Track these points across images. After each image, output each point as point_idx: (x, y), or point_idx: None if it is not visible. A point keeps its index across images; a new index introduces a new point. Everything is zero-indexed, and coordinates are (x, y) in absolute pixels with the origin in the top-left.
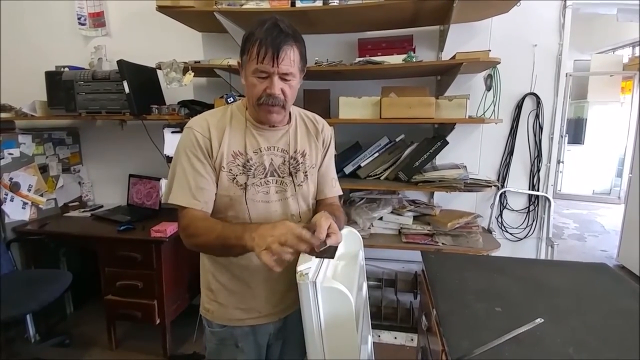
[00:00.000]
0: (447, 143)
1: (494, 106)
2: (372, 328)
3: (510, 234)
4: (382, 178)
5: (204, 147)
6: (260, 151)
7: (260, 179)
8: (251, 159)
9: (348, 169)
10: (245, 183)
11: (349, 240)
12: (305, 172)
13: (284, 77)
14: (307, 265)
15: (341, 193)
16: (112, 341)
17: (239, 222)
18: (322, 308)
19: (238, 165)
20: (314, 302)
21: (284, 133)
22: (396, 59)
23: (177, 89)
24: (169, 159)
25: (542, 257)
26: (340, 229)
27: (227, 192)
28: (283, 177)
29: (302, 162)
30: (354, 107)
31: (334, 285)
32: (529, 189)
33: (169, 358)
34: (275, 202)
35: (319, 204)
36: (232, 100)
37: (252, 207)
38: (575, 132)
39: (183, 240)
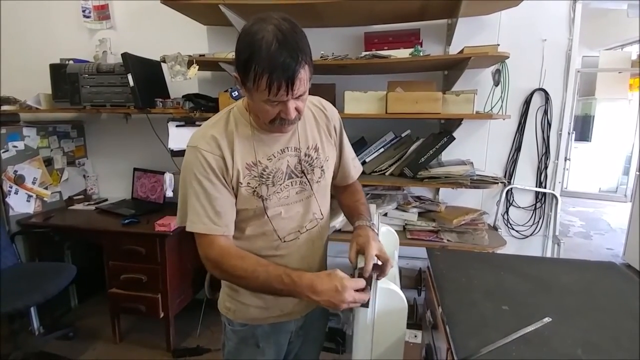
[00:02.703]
0: (454, 139)
1: (502, 102)
2: None
3: (517, 231)
4: (387, 174)
5: (217, 168)
6: (275, 156)
7: (280, 184)
8: (267, 167)
9: None
10: (266, 194)
11: (386, 239)
12: (322, 167)
13: (298, 97)
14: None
15: (361, 168)
16: (116, 334)
17: (255, 245)
18: (377, 305)
19: (255, 177)
20: (372, 300)
21: (294, 130)
22: (403, 53)
23: (181, 82)
24: (173, 153)
25: (548, 255)
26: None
27: (250, 206)
28: (301, 177)
29: (316, 158)
30: (360, 101)
31: (391, 287)
32: (536, 186)
33: (173, 351)
34: (296, 204)
35: (341, 190)
36: (236, 94)
37: (274, 219)
38: (583, 129)
39: (209, 269)
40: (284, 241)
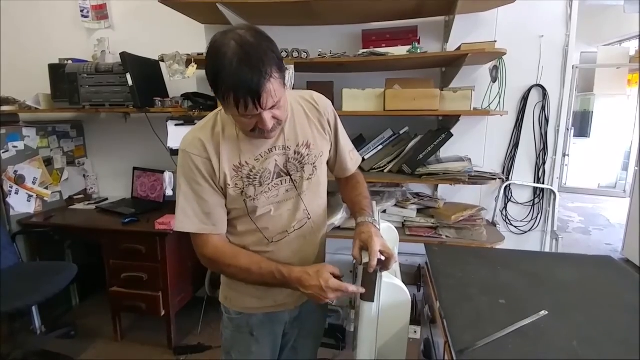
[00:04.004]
0: (452, 135)
1: (500, 98)
2: None
3: (515, 227)
4: (385, 171)
5: (205, 170)
6: (262, 157)
7: (268, 184)
8: (254, 168)
9: None
10: (253, 195)
11: (387, 236)
12: (313, 163)
13: (272, 108)
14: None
15: (360, 159)
16: (117, 332)
17: (247, 241)
18: (382, 300)
19: (242, 177)
20: (377, 294)
21: (281, 129)
22: (400, 50)
23: (180, 81)
24: (172, 152)
25: (547, 250)
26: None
27: (238, 205)
28: (291, 175)
29: (307, 155)
30: (358, 99)
31: (395, 282)
32: (534, 182)
33: (174, 349)
34: (286, 202)
35: (343, 183)
36: None
37: (263, 217)
38: (582, 125)
39: (205, 265)
40: (272, 242)
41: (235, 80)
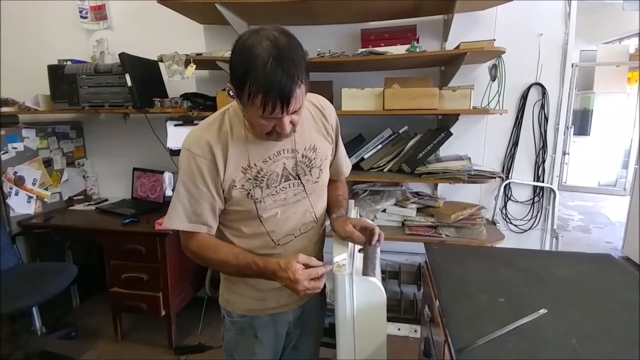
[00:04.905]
0: (451, 134)
1: (499, 96)
2: None
3: (515, 225)
4: (385, 170)
5: (207, 173)
6: (270, 159)
7: (276, 187)
8: (262, 170)
9: (351, 161)
10: (260, 197)
11: None
12: (320, 166)
13: (293, 113)
14: (343, 257)
15: (351, 165)
16: (117, 333)
17: (253, 244)
18: (356, 298)
19: (249, 179)
20: (350, 293)
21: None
22: (399, 50)
23: (179, 81)
24: (172, 152)
25: (547, 248)
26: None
27: (244, 207)
28: (299, 178)
29: (314, 158)
30: (357, 98)
31: (369, 279)
32: (534, 181)
33: (175, 349)
34: (293, 205)
35: (328, 185)
36: (233, 93)
37: (270, 220)
38: (582, 123)
39: (189, 257)
40: (278, 244)
41: (267, 82)
